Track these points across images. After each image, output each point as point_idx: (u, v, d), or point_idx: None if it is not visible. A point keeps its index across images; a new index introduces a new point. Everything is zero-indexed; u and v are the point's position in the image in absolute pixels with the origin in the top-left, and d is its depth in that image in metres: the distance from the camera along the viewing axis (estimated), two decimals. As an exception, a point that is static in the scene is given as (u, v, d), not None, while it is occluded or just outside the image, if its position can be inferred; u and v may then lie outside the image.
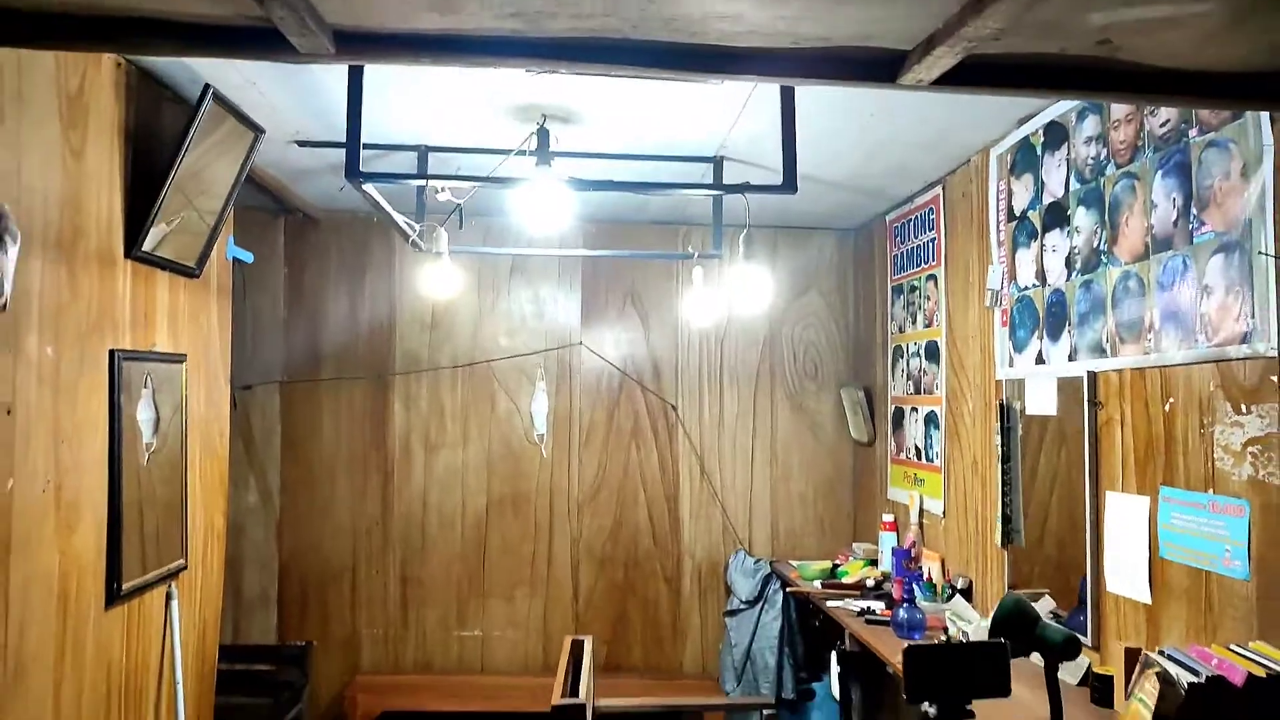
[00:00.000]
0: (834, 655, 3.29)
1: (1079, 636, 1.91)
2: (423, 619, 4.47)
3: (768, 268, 4.63)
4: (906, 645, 1.56)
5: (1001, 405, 3.04)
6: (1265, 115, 1.85)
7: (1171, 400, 2.17)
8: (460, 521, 4.50)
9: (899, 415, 4.08)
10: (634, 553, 4.57)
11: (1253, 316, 1.89)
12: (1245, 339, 1.92)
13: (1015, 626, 1.95)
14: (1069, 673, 2.56)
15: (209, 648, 2.98)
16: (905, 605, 3.03)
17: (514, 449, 4.53)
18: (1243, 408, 1.94)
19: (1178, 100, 1.85)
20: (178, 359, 2.73)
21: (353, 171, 2.25)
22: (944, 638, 2.84)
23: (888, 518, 4.01)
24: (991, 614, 1.98)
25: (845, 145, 3.22)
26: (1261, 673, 1.67)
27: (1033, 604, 2.77)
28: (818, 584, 3.84)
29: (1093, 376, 2.50)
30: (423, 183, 2.50)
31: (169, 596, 2.67)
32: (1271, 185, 1.83)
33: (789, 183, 2.37)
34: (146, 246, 2.53)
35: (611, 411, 4.59)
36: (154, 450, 2.63)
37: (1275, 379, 1.82)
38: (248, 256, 3.22)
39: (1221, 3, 1.35)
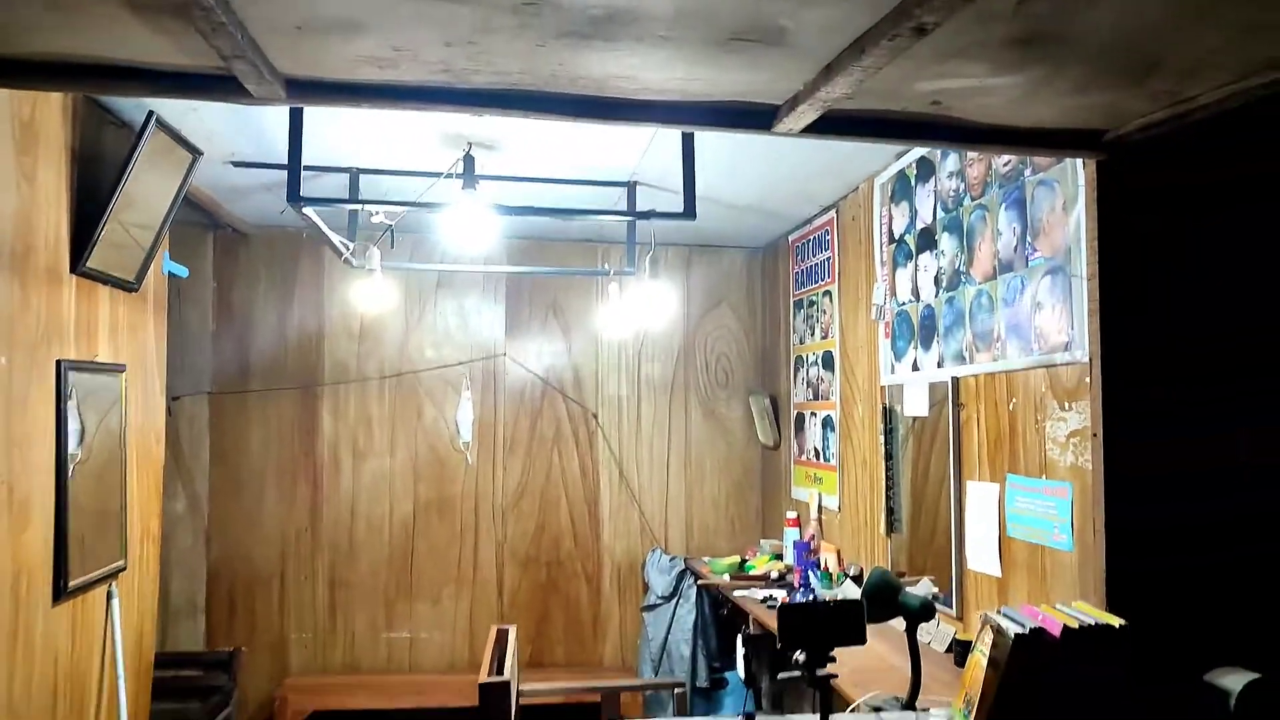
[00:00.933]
0: (739, 639, 3.57)
1: (933, 602, 2.23)
2: (351, 622, 4.62)
3: (681, 283, 4.96)
4: (780, 603, 1.84)
5: (885, 408, 3.39)
6: (1079, 160, 2.21)
7: (1014, 400, 2.53)
8: (388, 527, 4.67)
9: (800, 420, 4.43)
10: (556, 553, 4.81)
11: (1072, 328, 2.26)
12: (1067, 347, 2.28)
13: (881, 595, 2.26)
14: (938, 641, 2.91)
15: (146, 648, 3.11)
16: (801, 590, 3.35)
17: (440, 456, 4.73)
18: (1066, 405, 2.30)
19: (996, 148, 2.21)
20: (118, 369, 2.87)
21: (293, 197, 2.46)
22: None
23: (791, 515, 4.34)
24: (866, 582, 2.30)
25: (751, 173, 3.55)
26: (1075, 624, 2.02)
27: (913, 584, 3.12)
28: (727, 577, 4.14)
29: (955, 381, 2.86)
30: (358, 206, 2.71)
31: (110, 595, 2.80)
32: (1083, 218, 2.19)
33: (689, 210, 2.66)
34: (90, 263, 2.68)
35: (535, 419, 4.83)
36: (80, 461, 2.75)
37: (1088, 380, 2.18)
38: (182, 271, 3.37)
39: (1018, 78, 1.69)
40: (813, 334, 4.25)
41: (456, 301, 4.79)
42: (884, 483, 3.40)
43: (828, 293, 4.06)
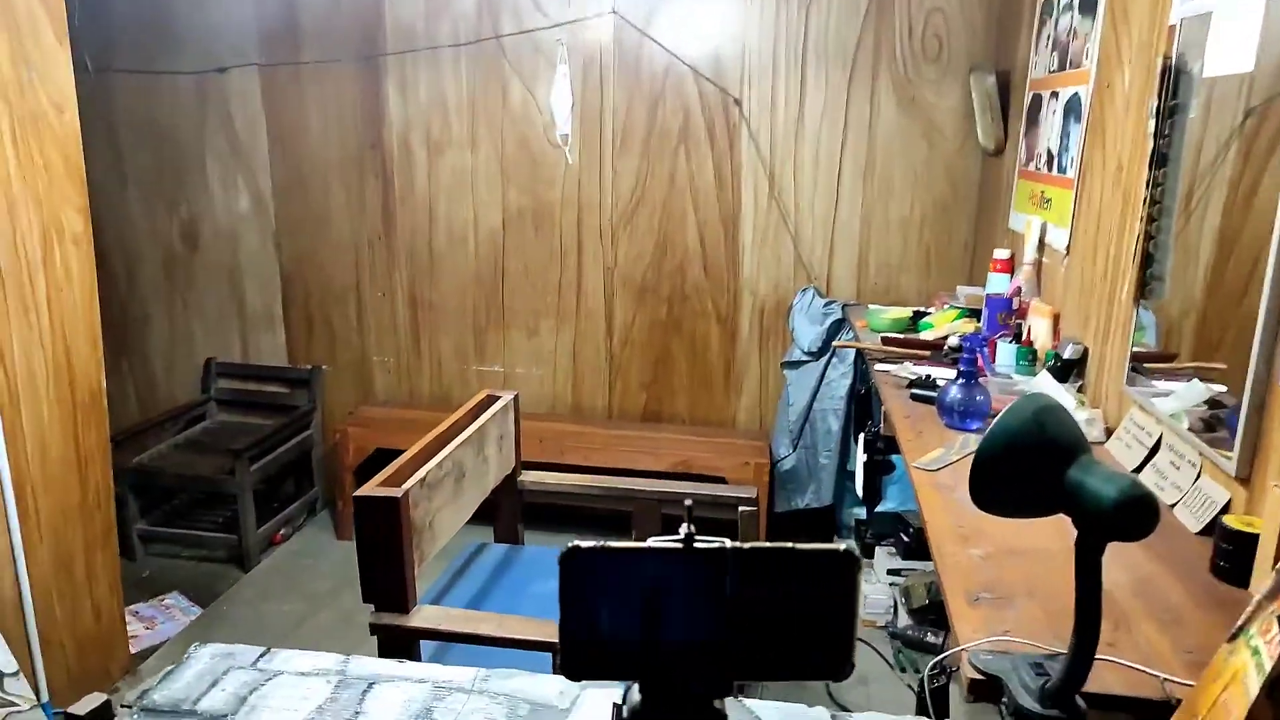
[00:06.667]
0: (860, 438, 2.40)
1: (1149, 496, 0.92)
2: (436, 348, 3.91)
3: (878, -108, 3.25)
4: (564, 548, 0.64)
5: (1167, 68, 1.79)
6: None
7: None
8: (473, 238, 3.77)
9: (1036, 106, 2.81)
10: (680, 285, 3.71)
11: None
12: None
13: (1025, 461, 0.98)
14: (1189, 511, 1.56)
15: (82, 369, 2.48)
16: (963, 381, 2.04)
17: (533, 153, 3.64)
18: None
19: None
20: (-76, -8, 1.98)
21: None
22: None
23: (1002, 254, 2.88)
24: (990, 428, 1.01)
25: None
26: None
27: (1081, 407, 1.72)
28: (879, 339, 2.86)
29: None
30: None
31: (-29, 312, 2.12)
32: None
33: None
34: None
35: (654, 106, 3.54)
36: None
37: None
38: None
39: None
40: (1071, -47, 2.52)
41: (552, -65, 3.44)
42: (1144, 207, 1.89)
43: None
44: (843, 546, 0.59)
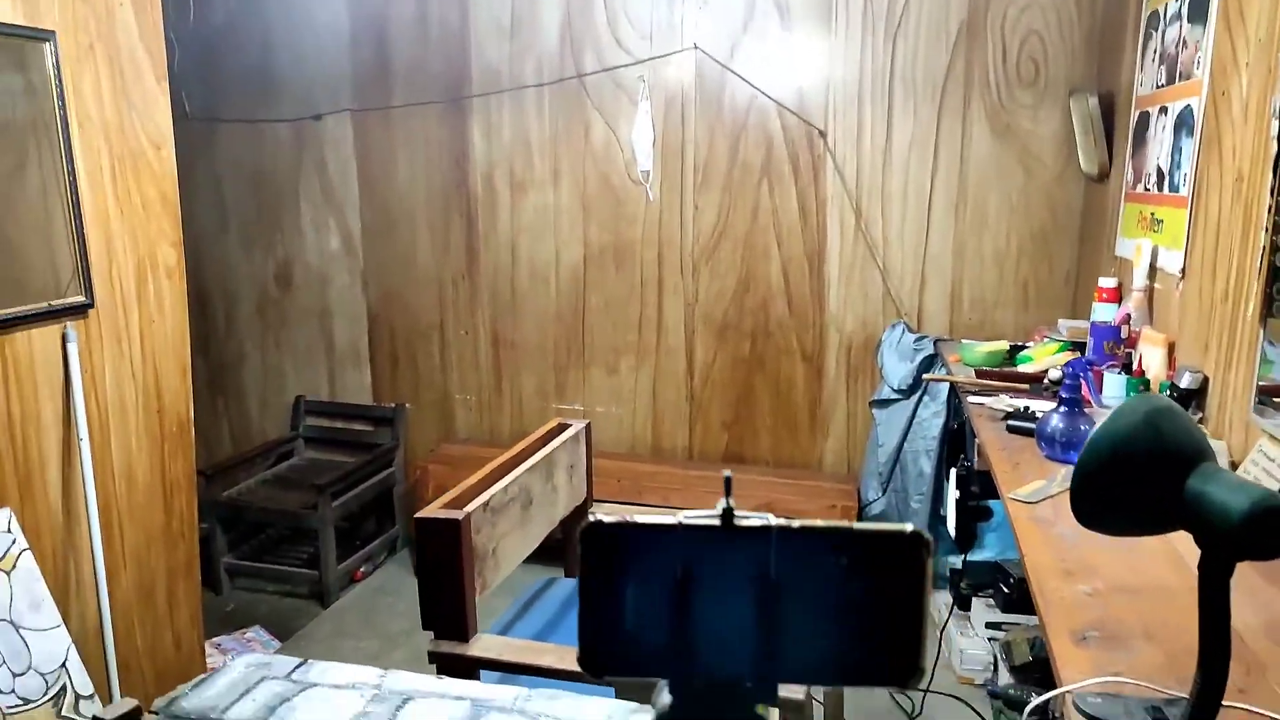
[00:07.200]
0: (952, 474, 2.24)
1: (1289, 505, 0.78)
2: (518, 386, 3.90)
3: (966, -83, 3.17)
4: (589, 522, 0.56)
5: (1291, 62, 1.64)
6: None
7: None
8: (554, 276, 3.77)
9: (1143, 124, 2.65)
10: (763, 321, 3.61)
11: None
12: None
13: (1136, 469, 0.86)
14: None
15: (171, 400, 2.53)
16: (1063, 409, 1.88)
17: (614, 189, 3.64)
18: None
19: None
20: (35, 35, 2.09)
21: None
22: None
23: (1108, 282, 2.70)
24: (1094, 432, 0.89)
25: None
26: None
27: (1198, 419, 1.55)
28: (973, 372, 2.70)
29: None
30: None
31: (65, 339, 2.19)
32: None
33: None
34: None
35: (736, 140, 3.50)
36: None
37: None
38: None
39: None
40: (1177, -39, 2.38)
41: (635, -25, 3.47)
42: (1270, 216, 1.72)
43: None
44: (909, 528, 0.49)
